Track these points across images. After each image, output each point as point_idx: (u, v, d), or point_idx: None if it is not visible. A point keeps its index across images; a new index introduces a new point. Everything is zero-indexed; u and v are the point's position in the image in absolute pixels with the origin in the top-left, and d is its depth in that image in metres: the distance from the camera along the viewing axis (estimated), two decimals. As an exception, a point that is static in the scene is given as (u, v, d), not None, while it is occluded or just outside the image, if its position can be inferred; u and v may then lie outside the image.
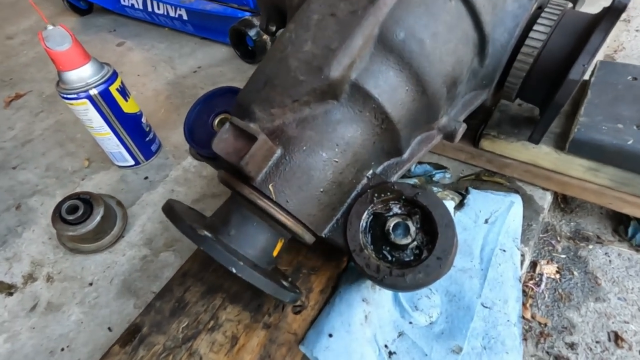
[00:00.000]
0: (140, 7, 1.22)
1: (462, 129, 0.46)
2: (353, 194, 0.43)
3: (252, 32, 0.94)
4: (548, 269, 0.56)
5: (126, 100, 0.69)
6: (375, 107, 0.38)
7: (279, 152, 0.37)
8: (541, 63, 0.44)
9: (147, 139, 0.75)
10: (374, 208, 0.42)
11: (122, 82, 0.68)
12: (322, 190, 0.38)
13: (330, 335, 0.41)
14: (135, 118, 0.71)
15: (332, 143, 0.38)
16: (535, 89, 0.47)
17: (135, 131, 0.72)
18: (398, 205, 0.42)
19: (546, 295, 0.54)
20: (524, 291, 0.55)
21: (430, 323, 0.47)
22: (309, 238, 0.41)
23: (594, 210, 0.63)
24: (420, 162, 0.67)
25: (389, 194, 0.41)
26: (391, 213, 0.41)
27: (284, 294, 0.36)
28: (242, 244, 0.38)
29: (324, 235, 0.42)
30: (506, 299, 0.48)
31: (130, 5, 1.25)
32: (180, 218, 0.35)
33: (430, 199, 0.40)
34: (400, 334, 0.45)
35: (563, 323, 0.51)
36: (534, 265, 0.57)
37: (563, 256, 0.58)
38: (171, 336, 0.46)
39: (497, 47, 0.44)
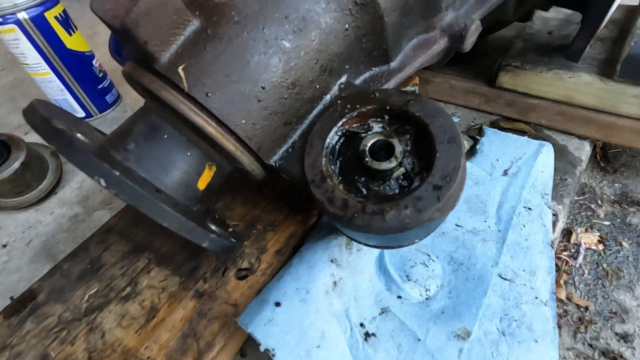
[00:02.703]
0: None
1: (474, 27, 0.33)
2: (318, 108, 0.30)
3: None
4: (587, 239, 0.43)
5: (70, 34, 0.57)
6: (345, -37, 0.26)
7: (195, 23, 0.25)
8: None
9: (100, 86, 0.64)
10: (347, 125, 0.29)
11: (64, 12, 0.56)
12: (263, 86, 0.26)
13: (278, 305, 0.28)
14: (83, 58, 0.60)
15: (280, 14, 0.26)
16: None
17: (84, 74, 0.61)
18: (381, 124, 0.29)
19: (586, 272, 0.41)
20: (556, 265, 0.41)
21: (427, 298, 0.34)
22: (248, 162, 0.28)
23: (646, 167, 0.49)
24: (421, 110, 0.53)
25: (367, 104, 0.29)
26: (370, 133, 0.28)
27: (197, 233, 0.24)
28: (146, 164, 0.26)
29: (273, 163, 0.29)
30: (533, 269, 0.35)
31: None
32: (34, 109, 0.22)
33: (426, 107, 0.27)
34: (384, 311, 0.32)
35: (611, 307, 0.38)
36: (568, 233, 0.44)
37: (607, 223, 0.44)
38: (72, 306, 0.34)
39: None
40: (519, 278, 0.34)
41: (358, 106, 0.29)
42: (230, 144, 0.26)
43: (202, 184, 0.29)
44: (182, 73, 0.24)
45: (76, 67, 0.59)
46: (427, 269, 0.36)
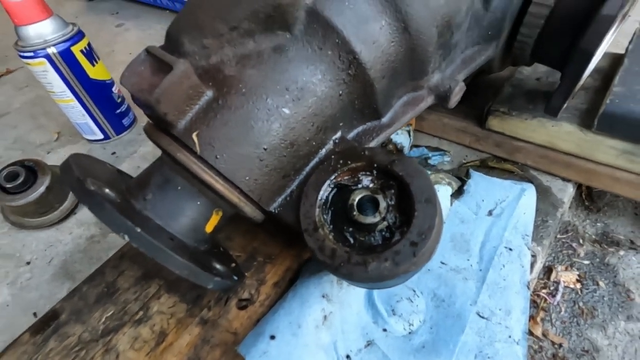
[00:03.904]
0: (141, -13, 1.18)
1: (458, 88, 0.36)
2: (313, 161, 0.34)
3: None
4: (566, 277, 0.46)
5: (93, 65, 0.62)
6: (338, 42, 0.29)
7: (209, 94, 0.29)
8: (564, 6, 0.34)
9: (119, 111, 0.69)
10: (339, 178, 0.33)
11: (89, 45, 0.61)
12: (265, 147, 0.30)
13: (272, 338, 0.32)
14: (104, 86, 0.65)
15: (281, 87, 0.29)
16: (556, 43, 0.37)
17: (104, 101, 0.65)
18: (370, 177, 0.32)
19: (563, 309, 0.43)
20: (535, 302, 0.44)
21: (410, 332, 0.37)
22: (250, 211, 0.32)
23: (626, 208, 0.51)
24: (415, 145, 0.57)
25: (357, 161, 0.32)
26: (360, 186, 0.32)
27: (202, 277, 0.27)
28: (161, 212, 0.30)
29: (272, 210, 0.33)
30: (509, 308, 0.38)
31: (131, -15, 1.21)
32: (70, 169, 0.27)
33: (408, 168, 0.31)
34: (369, 344, 0.36)
35: (584, 345, 0.40)
36: (549, 271, 0.47)
37: (586, 262, 0.47)
38: (90, 327, 0.38)
39: (506, -16, 0.34)
40: (495, 317, 0.37)
41: (349, 162, 0.32)
42: (235, 197, 0.30)
43: (209, 228, 0.32)
44: (195, 139, 0.28)
45: (97, 94, 0.64)
46: (411, 304, 0.39)
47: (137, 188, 0.30)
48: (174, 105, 0.27)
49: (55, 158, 0.69)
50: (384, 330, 0.37)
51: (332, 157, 0.33)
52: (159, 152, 0.67)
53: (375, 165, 0.32)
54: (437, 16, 0.32)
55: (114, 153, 0.68)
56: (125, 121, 0.71)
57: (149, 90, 0.27)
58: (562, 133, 0.45)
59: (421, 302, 0.39)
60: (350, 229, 0.31)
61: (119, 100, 0.68)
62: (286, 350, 0.31)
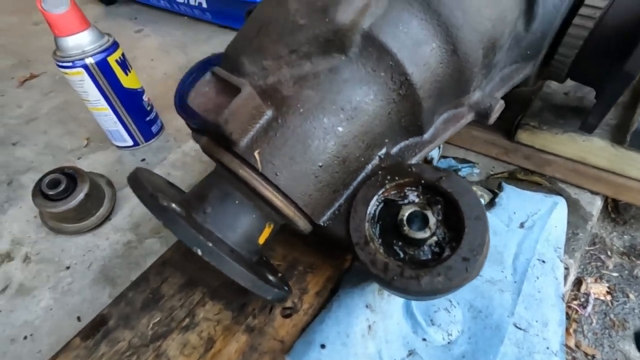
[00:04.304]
0: (162, -5, 1.21)
1: (498, 106, 0.37)
2: (361, 176, 0.35)
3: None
4: (596, 289, 0.46)
5: (126, 74, 0.64)
6: (392, 65, 0.31)
7: (269, 113, 0.30)
8: (604, 28, 0.36)
9: (148, 118, 0.70)
10: (386, 193, 0.34)
11: (123, 55, 0.63)
12: (320, 165, 0.31)
13: (323, 347, 0.33)
14: (136, 95, 0.67)
15: (337, 107, 0.31)
16: (594, 63, 0.38)
17: (135, 109, 0.67)
18: (416, 192, 0.34)
19: (594, 320, 0.44)
20: (566, 313, 0.45)
21: (449, 342, 0.38)
22: (303, 225, 0.33)
23: (654, 222, 0.52)
24: (443, 156, 0.58)
25: (404, 177, 0.33)
26: (406, 201, 0.33)
27: (264, 288, 0.29)
28: (219, 225, 0.31)
29: (322, 224, 0.34)
30: (545, 320, 0.39)
31: (152, -7, 1.24)
32: (142, 185, 0.28)
33: (456, 185, 0.32)
34: (411, 353, 0.37)
35: (616, 357, 0.41)
36: (578, 282, 0.48)
37: (615, 274, 0.48)
38: (139, 332, 0.39)
39: (548, 7, 0.36)
40: (533, 328, 0.38)
41: (397, 178, 0.34)
42: (291, 212, 0.31)
43: (262, 240, 0.34)
44: (257, 156, 0.29)
45: (129, 103, 0.66)
46: (449, 314, 0.40)
47: (197, 202, 0.32)
48: (239, 125, 0.28)
49: (86, 164, 0.70)
50: (424, 339, 0.38)
51: (379, 172, 0.34)
52: (187, 160, 0.69)
53: (423, 181, 0.33)
54: (484, 39, 0.33)
55: (143, 160, 0.70)
56: (154, 128, 0.72)
57: (215, 110, 0.28)
58: (594, 148, 0.46)
59: (458, 313, 0.40)
60: (400, 244, 0.32)
61: (148, 108, 0.70)
62: (337, 358, 0.32)
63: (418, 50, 0.31)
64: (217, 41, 1.07)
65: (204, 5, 1.13)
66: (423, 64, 0.31)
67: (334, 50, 0.30)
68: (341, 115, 0.31)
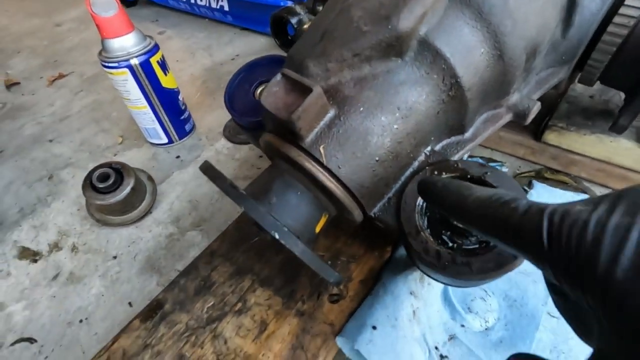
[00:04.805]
0: (184, -2, 1.24)
1: (535, 108, 0.40)
2: (408, 172, 0.38)
3: (294, 20, 0.92)
4: (622, 283, 0.49)
5: (165, 75, 0.67)
6: (444, 68, 0.33)
7: (332, 112, 0.33)
8: (637, 36, 0.38)
9: (182, 117, 0.73)
10: (433, 188, 0.36)
11: (162, 56, 0.66)
12: (377, 159, 0.34)
13: (374, 328, 0.36)
14: (173, 94, 0.70)
15: (394, 106, 0.33)
16: (626, 69, 0.40)
17: (172, 108, 0.70)
18: (461, 187, 0.36)
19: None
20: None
21: (486, 329, 0.41)
22: (357, 214, 0.36)
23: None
24: (470, 155, 0.61)
25: (451, 172, 0.36)
26: (453, 194, 0.36)
27: (329, 272, 0.31)
28: (283, 214, 0.34)
29: (373, 215, 0.37)
30: (577, 309, 0.41)
31: (173, -5, 1.27)
32: (220, 176, 0.31)
33: (501, 179, 0.34)
34: (452, 337, 0.39)
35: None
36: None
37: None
38: (195, 315, 0.42)
39: (585, 15, 0.38)
40: (565, 316, 0.41)
41: (444, 173, 0.36)
42: (349, 202, 0.34)
43: (318, 228, 0.36)
44: (322, 151, 0.32)
45: (167, 102, 0.69)
46: (485, 302, 0.42)
47: (261, 192, 0.34)
48: (307, 122, 0.31)
49: (123, 160, 0.73)
50: (462, 326, 0.41)
51: (427, 168, 0.37)
52: (220, 158, 0.71)
53: (469, 176, 0.36)
54: (528, 45, 0.35)
55: (178, 157, 0.72)
56: (187, 127, 0.75)
57: (285, 109, 0.31)
58: (621, 149, 0.48)
59: (494, 302, 0.43)
60: (448, 233, 0.35)
61: (183, 108, 0.73)
62: (389, 340, 0.35)
63: (468, 55, 0.34)
64: (241, 43, 1.10)
65: (226, 8, 1.16)
66: (472, 67, 0.34)
67: (393, 54, 0.33)
68: (397, 114, 0.34)
